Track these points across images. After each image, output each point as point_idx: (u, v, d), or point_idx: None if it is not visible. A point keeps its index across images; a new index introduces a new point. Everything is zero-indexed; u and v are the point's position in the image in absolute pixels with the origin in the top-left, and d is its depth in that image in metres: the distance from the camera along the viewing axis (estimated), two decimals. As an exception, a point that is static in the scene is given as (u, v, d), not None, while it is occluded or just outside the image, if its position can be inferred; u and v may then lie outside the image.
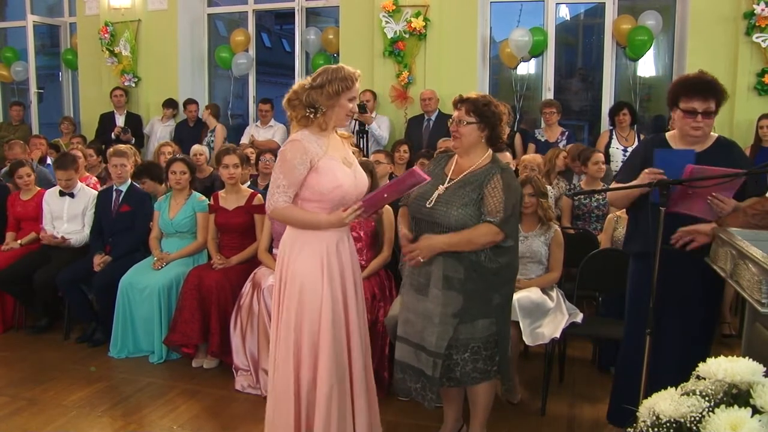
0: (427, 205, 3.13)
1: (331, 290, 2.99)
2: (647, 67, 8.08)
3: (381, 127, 7.42)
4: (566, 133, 7.13)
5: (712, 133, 3.22)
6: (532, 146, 7.02)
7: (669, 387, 2.01)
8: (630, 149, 6.06)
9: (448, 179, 3.19)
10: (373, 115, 7.47)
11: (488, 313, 3.13)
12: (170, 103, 8.57)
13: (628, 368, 3.32)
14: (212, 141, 7.82)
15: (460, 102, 3.21)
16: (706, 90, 3.10)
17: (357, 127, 7.18)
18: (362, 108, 7.15)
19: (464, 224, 3.04)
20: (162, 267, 4.90)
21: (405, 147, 6.62)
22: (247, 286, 4.44)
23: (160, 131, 8.49)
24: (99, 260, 5.10)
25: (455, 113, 3.20)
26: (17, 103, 9.43)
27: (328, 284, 2.99)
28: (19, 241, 5.59)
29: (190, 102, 8.38)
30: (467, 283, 3.07)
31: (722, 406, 1.73)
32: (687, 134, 3.17)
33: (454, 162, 3.27)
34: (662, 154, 3.12)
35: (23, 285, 5.26)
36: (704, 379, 1.87)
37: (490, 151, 3.23)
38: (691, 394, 1.83)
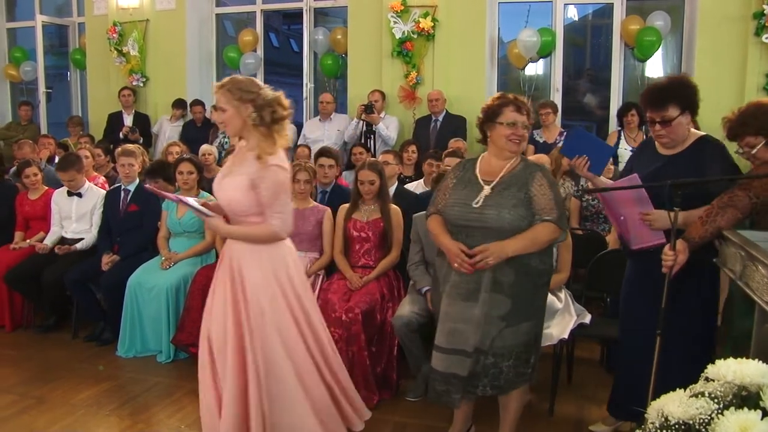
0: (474, 205, 3.08)
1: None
2: (655, 67, 8.04)
3: (389, 127, 7.40)
4: (564, 133, 7.09)
5: (697, 131, 3.24)
6: (530, 147, 7.01)
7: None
8: (638, 150, 6.07)
9: (483, 181, 3.15)
10: (382, 115, 7.46)
11: (531, 316, 3.12)
12: (179, 104, 8.58)
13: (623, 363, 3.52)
14: (226, 142, 7.79)
15: (525, 107, 3.18)
16: (655, 100, 3.12)
17: (364, 128, 7.19)
18: (369, 108, 7.14)
19: (518, 225, 3.02)
20: (170, 267, 4.91)
21: (413, 147, 6.60)
22: (255, 286, 4.44)
23: (169, 131, 8.49)
24: (107, 260, 5.12)
25: (517, 116, 3.14)
26: (26, 102, 9.48)
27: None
28: (27, 241, 5.62)
29: (195, 103, 8.39)
30: (515, 287, 3.04)
31: (731, 409, 1.73)
32: (656, 141, 3.26)
33: (478, 165, 3.23)
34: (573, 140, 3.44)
35: (31, 284, 5.29)
36: (713, 380, 1.86)
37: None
38: (700, 395, 1.82)
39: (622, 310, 3.51)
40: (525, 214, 3.04)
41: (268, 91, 3.02)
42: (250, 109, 2.96)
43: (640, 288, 3.33)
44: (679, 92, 3.10)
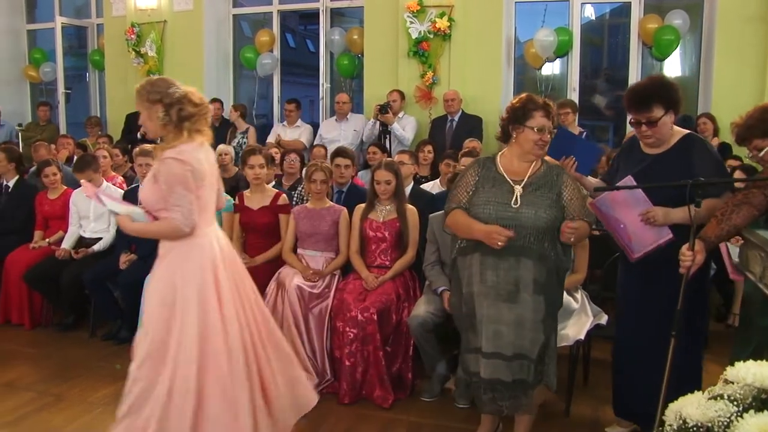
0: (513, 205, 3.07)
1: None
2: (674, 67, 7.97)
3: (406, 127, 7.39)
4: (583, 133, 7.04)
5: (681, 129, 3.25)
6: None
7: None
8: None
9: (511, 180, 3.13)
10: (401, 115, 7.46)
11: (552, 314, 3.15)
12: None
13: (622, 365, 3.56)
14: (245, 143, 7.81)
15: (553, 112, 3.15)
16: (639, 102, 3.14)
17: (380, 128, 7.19)
18: (384, 108, 7.14)
19: (553, 226, 3.06)
20: (187, 266, 4.92)
21: (429, 147, 6.58)
22: (272, 286, 4.44)
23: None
24: (125, 259, 5.16)
25: (546, 122, 3.11)
26: (44, 103, 9.58)
27: None
28: (46, 240, 5.67)
29: (213, 101, 8.40)
30: (547, 286, 3.06)
31: (751, 411, 1.71)
32: (642, 141, 3.28)
33: (500, 164, 3.20)
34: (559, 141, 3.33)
35: (50, 283, 5.34)
36: (732, 383, 1.84)
37: None
38: (719, 398, 1.81)
39: (620, 312, 3.54)
40: (558, 215, 3.08)
41: (179, 89, 2.96)
42: (160, 109, 2.92)
43: (640, 290, 3.33)
44: (661, 92, 3.12)
